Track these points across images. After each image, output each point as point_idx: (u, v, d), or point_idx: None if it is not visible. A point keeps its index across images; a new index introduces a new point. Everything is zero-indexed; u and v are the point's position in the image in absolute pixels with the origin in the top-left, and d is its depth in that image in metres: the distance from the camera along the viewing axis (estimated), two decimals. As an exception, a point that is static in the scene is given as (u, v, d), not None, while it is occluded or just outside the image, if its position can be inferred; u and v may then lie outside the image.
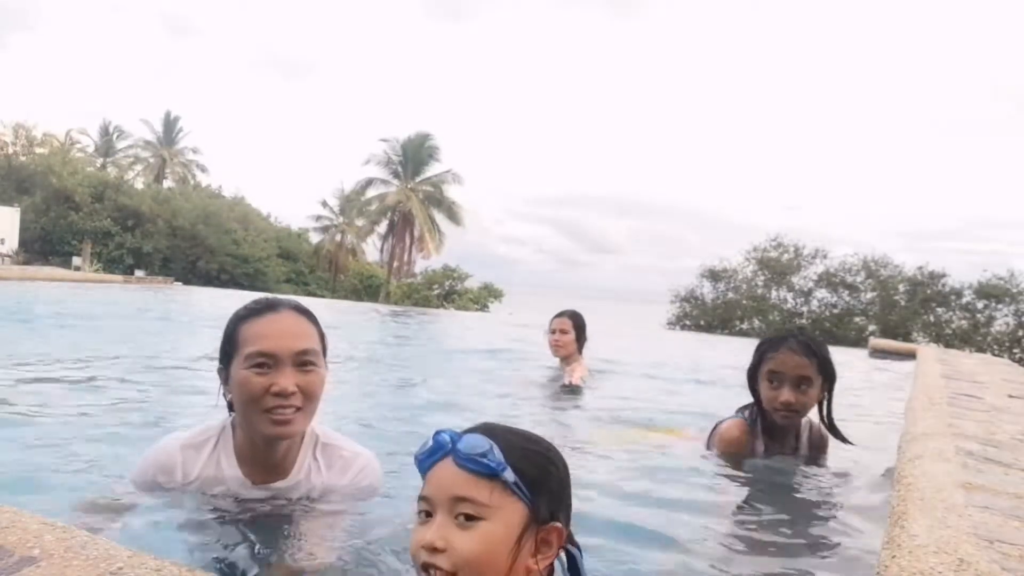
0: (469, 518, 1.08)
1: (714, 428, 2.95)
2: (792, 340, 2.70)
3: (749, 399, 2.84)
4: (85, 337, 6.60)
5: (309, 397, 1.77)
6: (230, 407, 1.85)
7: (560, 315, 4.91)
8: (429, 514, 1.11)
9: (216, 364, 1.86)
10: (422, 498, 1.13)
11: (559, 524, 1.16)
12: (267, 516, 1.83)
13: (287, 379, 1.72)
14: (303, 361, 1.76)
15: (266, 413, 1.73)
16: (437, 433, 1.15)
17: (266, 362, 1.73)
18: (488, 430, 1.16)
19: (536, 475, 1.14)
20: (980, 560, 1.42)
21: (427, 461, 1.14)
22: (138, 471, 1.89)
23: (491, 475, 1.10)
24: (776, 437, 2.81)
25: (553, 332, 4.87)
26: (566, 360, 4.85)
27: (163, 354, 5.78)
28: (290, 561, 1.68)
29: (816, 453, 2.91)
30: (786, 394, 2.63)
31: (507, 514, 1.10)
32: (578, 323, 4.86)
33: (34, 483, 2.16)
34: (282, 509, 1.85)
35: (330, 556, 1.70)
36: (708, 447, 2.93)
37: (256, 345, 1.74)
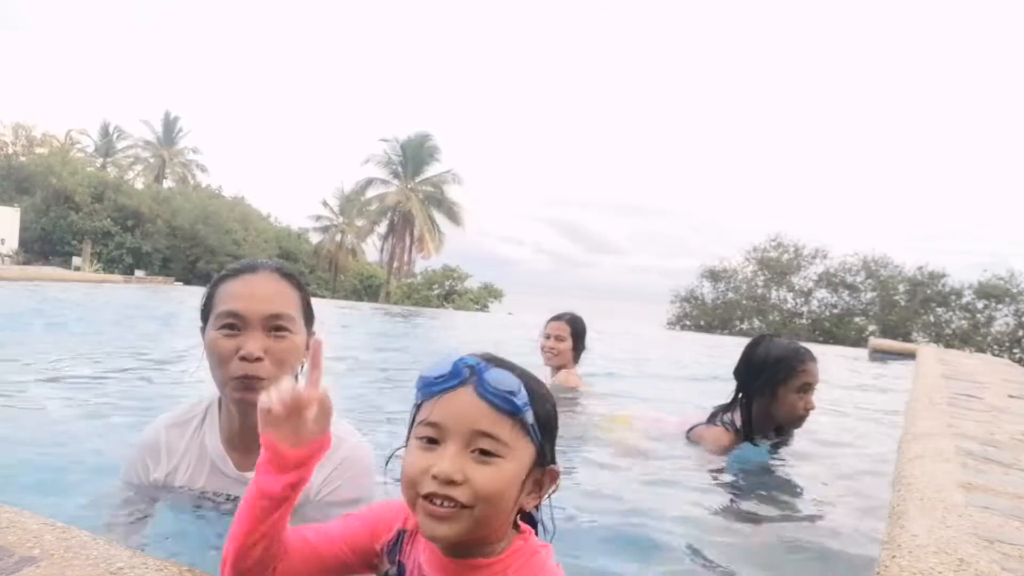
0: (485, 453, 1.05)
1: (690, 429, 3.03)
2: (807, 350, 2.88)
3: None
4: (85, 337, 6.60)
5: (279, 364, 1.64)
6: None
7: (557, 318, 4.32)
8: (434, 440, 1.06)
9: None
10: (431, 424, 1.07)
11: (556, 467, 1.16)
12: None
13: (255, 343, 1.61)
14: (275, 325, 1.65)
15: (234, 379, 1.63)
16: (459, 359, 1.09)
17: (235, 323, 1.63)
18: (507, 365, 1.13)
19: (545, 417, 1.13)
20: (980, 560, 1.42)
21: (440, 385, 1.08)
22: (130, 458, 1.84)
23: (514, 413, 1.07)
24: (762, 436, 2.91)
25: (548, 337, 4.29)
26: (558, 370, 4.28)
27: (163, 354, 5.78)
28: None
29: (784, 440, 3.02)
30: (812, 401, 2.83)
31: (521, 454, 1.09)
32: (577, 329, 4.29)
33: (35, 483, 2.16)
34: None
35: None
36: (689, 442, 3.01)
37: (226, 304, 1.65)
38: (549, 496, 1.17)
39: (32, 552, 1.05)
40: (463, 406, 1.06)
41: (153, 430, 1.81)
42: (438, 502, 1.04)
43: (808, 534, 2.20)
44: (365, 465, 1.75)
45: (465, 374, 1.08)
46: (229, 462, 1.73)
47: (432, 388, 1.09)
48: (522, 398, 1.08)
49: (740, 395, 2.89)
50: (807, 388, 2.80)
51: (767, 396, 2.82)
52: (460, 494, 1.03)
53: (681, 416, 3.22)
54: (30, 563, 1.02)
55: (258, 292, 1.66)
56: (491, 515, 1.06)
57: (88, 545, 1.09)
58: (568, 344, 4.26)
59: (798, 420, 2.87)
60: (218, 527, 1.69)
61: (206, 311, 1.71)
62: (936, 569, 1.36)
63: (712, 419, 2.95)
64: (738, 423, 2.87)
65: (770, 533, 2.19)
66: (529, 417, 1.09)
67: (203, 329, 1.72)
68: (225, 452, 1.74)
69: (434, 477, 1.03)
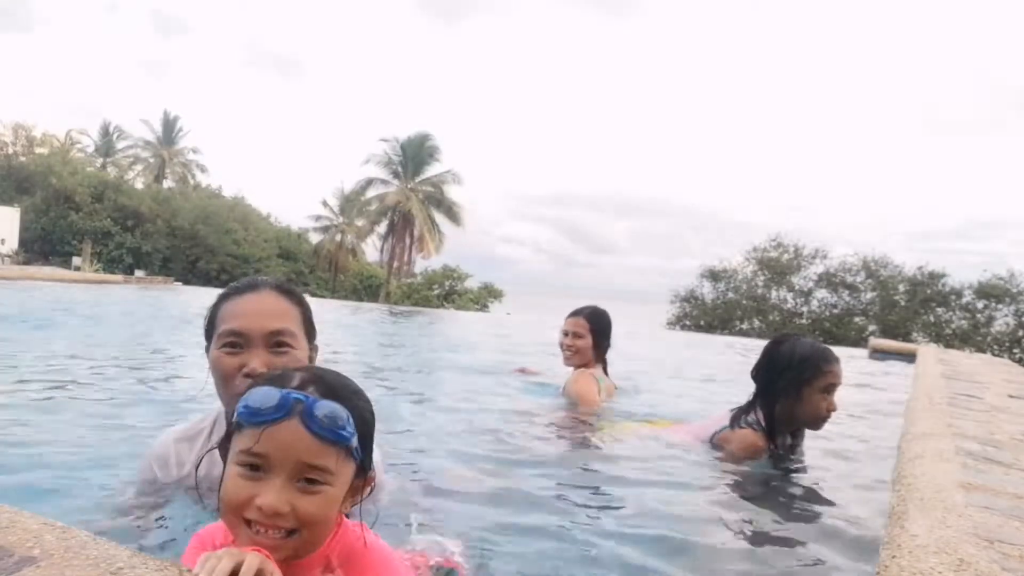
0: (311, 481, 1.08)
1: (716, 433, 2.97)
2: (831, 350, 2.87)
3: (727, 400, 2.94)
4: (85, 337, 6.60)
5: None
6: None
7: (575, 313, 4.03)
8: (256, 468, 1.08)
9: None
10: (254, 454, 1.07)
11: (373, 473, 1.19)
12: None
13: (257, 359, 1.66)
14: (276, 342, 1.70)
15: (238, 396, 1.69)
16: (285, 391, 1.10)
17: (237, 341, 1.68)
18: (329, 389, 1.14)
19: (364, 432, 1.15)
20: (980, 560, 1.42)
21: (267, 417, 1.08)
22: (140, 466, 1.90)
23: (340, 442, 1.10)
24: (775, 439, 2.88)
25: (565, 334, 3.99)
26: (580, 369, 4.00)
27: (164, 354, 5.78)
28: None
29: (798, 442, 3.00)
30: (835, 403, 2.82)
31: (345, 476, 1.13)
32: (598, 324, 3.98)
33: (35, 482, 2.15)
34: None
35: None
36: (713, 447, 2.95)
37: (229, 323, 1.70)
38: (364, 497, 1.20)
39: (32, 552, 1.05)
40: (290, 439, 1.07)
41: (162, 443, 1.88)
42: (263, 530, 1.06)
43: (808, 534, 2.20)
44: (379, 468, 1.89)
45: (293, 407, 1.08)
46: None
47: (257, 418, 1.09)
48: (349, 428, 1.11)
49: (761, 395, 2.86)
50: (831, 389, 2.79)
51: (791, 396, 2.79)
52: (285, 523, 1.07)
53: (704, 422, 3.18)
54: (30, 563, 1.02)
55: (261, 310, 1.71)
56: (317, 536, 1.11)
57: (88, 545, 1.09)
58: (587, 341, 3.94)
59: (821, 421, 2.84)
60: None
61: (209, 329, 1.76)
62: (936, 569, 1.36)
63: (735, 422, 2.91)
64: (763, 423, 2.84)
65: (769, 533, 2.19)
66: (354, 442, 1.12)
67: (207, 347, 1.76)
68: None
69: (259, 508, 1.05)
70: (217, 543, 1.18)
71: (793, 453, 2.95)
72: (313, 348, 1.82)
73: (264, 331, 1.68)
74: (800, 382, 2.77)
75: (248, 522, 1.07)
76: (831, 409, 2.81)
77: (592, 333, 3.93)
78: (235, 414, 1.13)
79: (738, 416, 2.91)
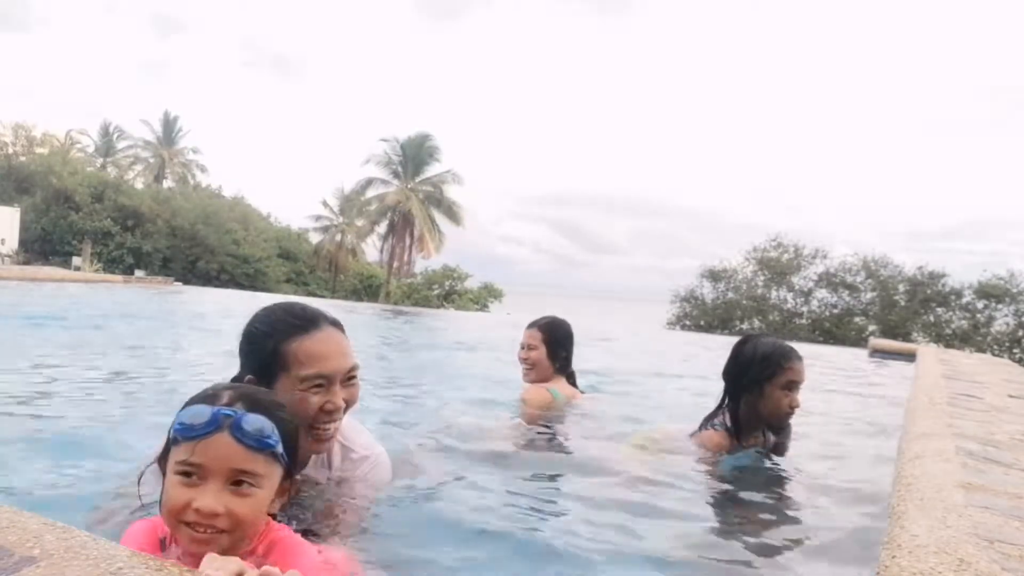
0: (242, 484, 1.25)
1: (691, 436, 3.00)
2: (794, 349, 2.90)
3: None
4: (85, 337, 6.60)
5: (351, 407, 1.87)
6: None
7: (530, 325, 3.76)
8: (191, 475, 1.24)
9: (244, 374, 1.83)
10: (190, 464, 1.24)
11: (297, 477, 1.39)
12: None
13: (339, 397, 1.80)
14: (350, 378, 1.84)
15: (313, 429, 1.79)
16: (216, 408, 1.26)
17: (324, 383, 1.78)
18: (255, 403, 1.31)
19: (288, 441, 1.33)
20: (980, 560, 1.42)
21: (200, 431, 1.24)
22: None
23: (267, 449, 1.27)
24: (752, 436, 2.92)
25: (521, 347, 3.73)
26: (537, 383, 3.70)
27: (164, 354, 5.78)
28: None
29: (783, 438, 3.02)
30: (798, 399, 2.85)
31: (272, 479, 1.30)
32: (552, 335, 3.69)
33: (36, 482, 2.16)
34: (299, 500, 1.88)
35: (337, 542, 1.76)
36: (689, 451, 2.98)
37: (314, 367, 1.77)
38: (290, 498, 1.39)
39: (32, 552, 1.05)
40: (221, 449, 1.24)
41: None
42: (201, 529, 1.23)
43: (807, 535, 2.20)
44: (387, 468, 2.07)
45: (223, 422, 1.25)
46: None
47: (191, 433, 1.25)
48: (274, 437, 1.29)
49: (728, 394, 2.91)
50: (792, 386, 2.83)
51: (754, 393, 2.84)
52: (221, 523, 1.23)
53: (683, 425, 3.18)
54: (30, 563, 1.02)
55: (338, 351, 1.83)
56: (248, 533, 1.28)
57: (88, 545, 1.09)
58: (541, 353, 3.66)
59: (783, 418, 2.89)
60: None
61: (270, 365, 1.78)
62: (936, 569, 1.36)
63: (704, 424, 2.97)
64: (728, 423, 2.89)
65: (769, 534, 2.19)
66: (279, 448, 1.30)
67: (270, 379, 1.77)
68: None
69: (197, 511, 1.22)
70: (156, 538, 1.33)
71: (779, 452, 2.98)
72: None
73: (344, 371, 1.82)
74: (762, 379, 2.82)
75: (188, 524, 1.23)
76: (793, 406, 2.84)
77: (547, 344, 3.66)
78: (171, 430, 1.29)
79: (708, 418, 2.97)
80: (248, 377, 1.81)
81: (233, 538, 1.25)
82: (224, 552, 1.22)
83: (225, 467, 1.24)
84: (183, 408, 1.30)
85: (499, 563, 1.85)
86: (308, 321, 1.83)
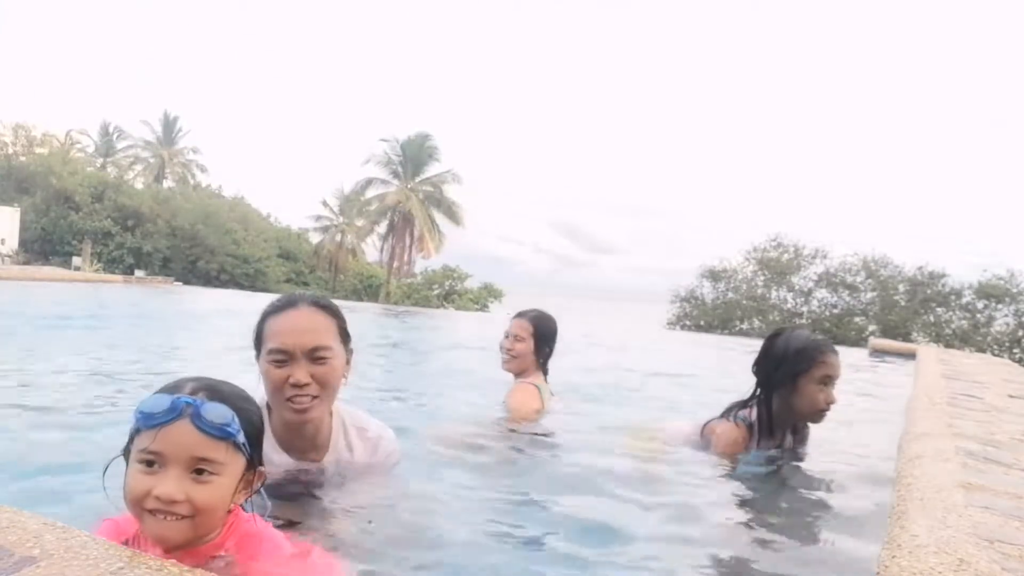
0: (203, 472, 1.28)
1: (703, 427, 2.96)
2: (828, 342, 2.86)
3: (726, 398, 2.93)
4: (85, 337, 6.60)
5: (323, 386, 1.95)
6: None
7: (519, 315, 3.72)
8: (152, 463, 1.27)
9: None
10: (150, 452, 1.26)
11: (263, 468, 1.40)
12: (307, 492, 2.02)
13: (302, 371, 1.91)
14: (317, 356, 1.93)
15: (287, 401, 1.94)
16: (176, 396, 1.28)
17: (283, 358, 1.92)
18: (217, 393, 1.33)
19: (252, 432, 1.36)
20: (980, 560, 1.42)
21: (160, 419, 1.26)
22: None
23: (227, 438, 1.29)
24: (772, 435, 2.86)
25: (506, 336, 3.67)
26: (519, 376, 3.67)
27: (164, 353, 5.78)
28: (326, 530, 1.84)
29: (800, 443, 2.97)
30: (833, 395, 2.79)
31: (234, 468, 1.32)
32: (541, 329, 3.65)
33: (37, 482, 2.16)
34: (321, 485, 2.05)
35: (359, 525, 1.91)
36: (702, 447, 2.94)
37: (274, 341, 1.93)
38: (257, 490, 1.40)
39: (32, 552, 1.05)
40: (182, 437, 1.26)
41: None
42: (162, 516, 1.25)
43: (807, 534, 2.20)
44: (398, 452, 2.24)
45: (183, 410, 1.27)
46: (289, 460, 2.05)
47: (152, 421, 1.27)
48: (235, 425, 1.30)
49: (759, 390, 2.83)
50: (828, 380, 2.76)
51: (788, 388, 2.76)
52: (181, 509, 1.25)
53: (690, 420, 3.16)
54: (30, 563, 1.02)
55: (301, 328, 1.94)
56: (209, 521, 1.29)
57: (88, 545, 1.09)
58: (528, 346, 3.61)
59: (819, 413, 2.80)
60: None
61: (258, 343, 2.00)
62: (936, 569, 1.36)
63: (727, 414, 2.89)
64: (753, 419, 2.81)
65: (769, 534, 2.19)
66: (240, 437, 1.31)
67: (257, 356, 2.01)
68: (283, 452, 2.05)
69: (157, 498, 1.24)
70: (123, 538, 1.34)
71: (797, 454, 2.92)
72: (349, 351, 2.05)
73: (304, 348, 1.92)
74: (796, 373, 2.75)
75: (150, 512, 1.25)
76: (829, 401, 2.77)
77: (535, 338, 3.62)
78: (133, 421, 1.30)
79: (732, 408, 2.89)
80: (255, 353, 2.01)
81: (195, 524, 1.27)
82: (188, 541, 1.27)
83: (185, 454, 1.26)
84: (145, 399, 1.31)
85: (496, 565, 1.85)
86: (286, 303, 2.01)
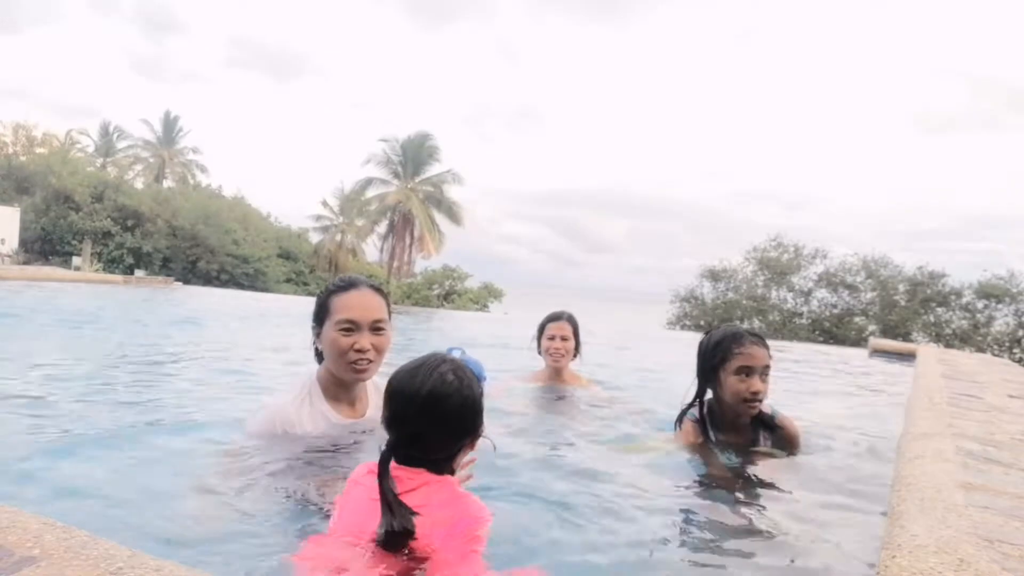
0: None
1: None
2: (749, 334, 2.83)
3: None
4: (85, 337, 6.60)
5: (379, 352, 2.38)
6: (318, 356, 2.45)
7: (558, 318, 4.27)
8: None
9: (311, 325, 2.44)
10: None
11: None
12: (350, 448, 2.33)
13: (365, 340, 2.33)
14: (376, 328, 2.36)
15: (350, 364, 2.34)
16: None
17: (351, 327, 2.33)
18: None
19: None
20: (980, 560, 1.42)
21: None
22: (261, 425, 2.37)
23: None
24: (731, 429, 2.86)
25: (552, 338, 4.22)
26: (559, 371, 4.24)
27: (164, 353, 5.78)
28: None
29: (787, 444, 2.91)
30: (757, 384, 2.76)
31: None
32: (576, 327, 4.29)
33: (36, 483, 2.15)
34: (362, 442, 2.37)
35: None
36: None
37: (344, 314, 2.33)
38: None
39: (32, 552, 1.05)
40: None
41: (284, 410, 2.37)
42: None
43: (807, 534, 2.20)
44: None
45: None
46: (335, 414, 2.41)
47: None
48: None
49: (697, 388, 2.89)
50: (747, 371, 2.72)
51: (713, 382, 2.82)
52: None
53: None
54: (30, 563, 1.02)
55: (366, 303, 2.36)
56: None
57: (88, 545, 1.09)
58: (572, 344, 4.24)
59: (744, 404, 2.76)
60: (316, 461, 2.23)
61: (321, 315, 2.39)
62: (936, 569, 1.36)
63: (679, 418, 2.96)
64: (698, 415, 2.88)
65: (769, 534, 2.19)
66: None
67: (315, 327, 2.42)
68: (331, 408, 2.41)
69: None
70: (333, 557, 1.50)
71: (742, 440, 2.86)
72: (392, 328, 2.46)
73: (370, 320, 2.35)
74: (715, 367, 2.79)
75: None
76: (752, 391, 2.72)
77: (575, 335, 4.27)
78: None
79: (682, 412, 2.95)
80: (313, 325, 2.42)
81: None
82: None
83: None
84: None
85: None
86: (349, 283, 2.42)
